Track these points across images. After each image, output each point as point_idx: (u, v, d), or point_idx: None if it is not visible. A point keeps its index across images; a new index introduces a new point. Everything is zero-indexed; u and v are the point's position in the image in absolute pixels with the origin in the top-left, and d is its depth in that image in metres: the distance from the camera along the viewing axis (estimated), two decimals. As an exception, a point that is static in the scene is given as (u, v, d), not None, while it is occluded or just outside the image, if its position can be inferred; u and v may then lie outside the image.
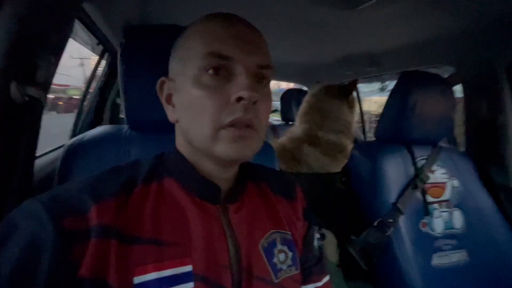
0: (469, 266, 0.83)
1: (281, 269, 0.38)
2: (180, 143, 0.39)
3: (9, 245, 0.27)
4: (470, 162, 0.99)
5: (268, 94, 0.36)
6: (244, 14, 0.37)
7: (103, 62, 1.24)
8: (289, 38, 1.23)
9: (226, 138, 0.32)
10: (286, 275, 0.38)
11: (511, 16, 0.81)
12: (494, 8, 0.80)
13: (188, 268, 0.32)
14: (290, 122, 2.22)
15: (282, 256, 0.39)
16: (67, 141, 0.57)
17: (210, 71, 0.33)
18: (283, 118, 2.36)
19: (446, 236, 0.85)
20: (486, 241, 0.87)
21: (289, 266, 0.39)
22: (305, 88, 2.37)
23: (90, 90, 1.26)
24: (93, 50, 1.16)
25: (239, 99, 0.32)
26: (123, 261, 0.30)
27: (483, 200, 0.93)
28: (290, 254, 0.40)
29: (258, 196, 0.42)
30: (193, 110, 0.34)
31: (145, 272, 0.30)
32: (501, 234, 0.89)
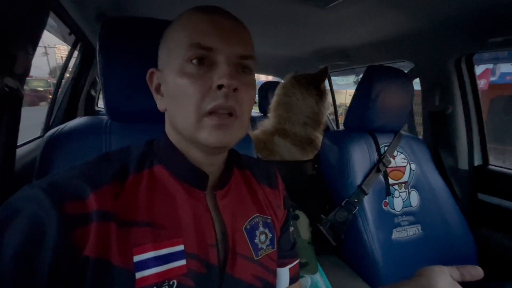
0: (422, 239, 0.94)
1: (261, 249, 0.43)
2: (169, 132, 0.40)
3: (11, 229, 0.28)
4: (425, 148, 1.11)
5: (251, 83, 0.37)
6: (223, 8, 0.38)
7: (75, 53, 1.20)
8: (267, 33, 1.28)
9: (208, 125, 0.34)
10: (265, 253, 0.43)
11: (458, 18, 0.92)
12: (445, 11, 0.89)
13: (180, 247, 0.35)
14: (268, 114, 2.26)
15: (263, 237, 0.43)
16: (41, 133, 0.57)
17: (194, 61, 0.34)
18: (261, 110, 2.40)
19: (404, 213, 0.95)
20: (437, 216, 0.99)
21: (267, 245, 0.44)
22: (282, 81, 2.42)
23: (63, 81, 1.22)
24: (64, 40, 1.12)
25: (220, 86, 0.33)
26: (123, 242, 0.32)
27: (435, 181, 1.05)
28: (270, 235, 0.45)
29: (243, 182, 0.45)
30: (178, 98, 0.35)
31: (143, 252, 0.33)
32: (449, 209, 1.01)
